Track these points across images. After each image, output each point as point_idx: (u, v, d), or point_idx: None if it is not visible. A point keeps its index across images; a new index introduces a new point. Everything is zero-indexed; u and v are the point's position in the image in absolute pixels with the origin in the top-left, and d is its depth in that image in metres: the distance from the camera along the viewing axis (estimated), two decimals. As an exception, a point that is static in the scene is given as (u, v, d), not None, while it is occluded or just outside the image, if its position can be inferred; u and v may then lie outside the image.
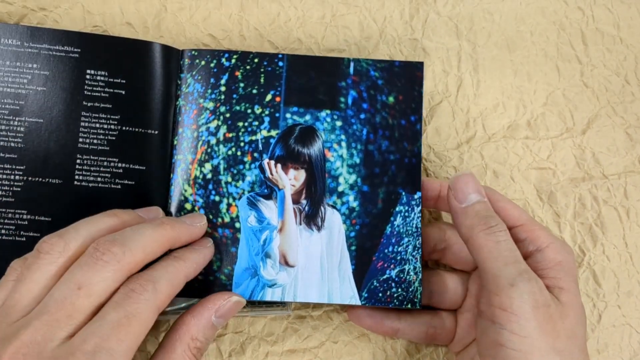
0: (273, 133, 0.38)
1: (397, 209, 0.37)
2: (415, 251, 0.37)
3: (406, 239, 0.37)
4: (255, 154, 0.38)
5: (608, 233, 0.43)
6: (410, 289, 0.36)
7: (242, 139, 0.38)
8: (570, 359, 0.30)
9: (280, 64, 0.39)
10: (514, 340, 0.30)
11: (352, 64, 0.38)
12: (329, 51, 0.43)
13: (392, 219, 0.37)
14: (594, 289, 0.42)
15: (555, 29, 0.45)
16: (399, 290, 0.36)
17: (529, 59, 0.45)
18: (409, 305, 0.36)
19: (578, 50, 0.45)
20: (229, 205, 0.37)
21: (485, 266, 0.32)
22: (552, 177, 0.43)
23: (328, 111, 0.38)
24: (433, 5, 0.45)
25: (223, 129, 0.38)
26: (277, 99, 0.38)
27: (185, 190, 0.37)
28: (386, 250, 0.37)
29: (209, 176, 0.37)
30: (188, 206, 0.37)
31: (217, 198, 0.37)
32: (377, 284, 0.36)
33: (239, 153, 0.38)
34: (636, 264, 0.42)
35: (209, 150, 0.37)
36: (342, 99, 0.38)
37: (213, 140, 0.38)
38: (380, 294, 0.36)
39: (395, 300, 0.36)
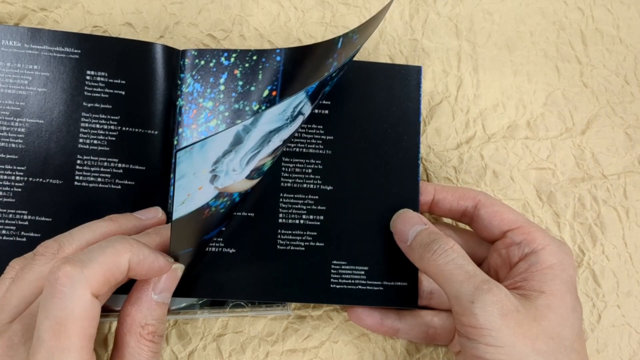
0: None
1: None
2: None
3: None
4: None
5: (607, 233, 0.43)
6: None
7: None
8: (554, 358, 0.30)
9: (278, 58, 0.39)
10: (492, 352, 0.30)
11: (340, 40, 0.38)
12: (329, 51, 0.44)
13: None
14: (594, 289, 0.42)
15: (555, 29, 0.46)
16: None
17: (529, 59, 0.45)
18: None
19: (578, 50, 0.45)
20: None
21: (445, 290, 0.33)
22: (552, 177, 0.43)
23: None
24: (433, 5, 0.45)
25: (222, 128, 0.38)
26: (274, 93, 0.38)
27: None
28: None
29: None
30: None
31: None
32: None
33: None
34: (635, 264, 0.42)
35: None
36: (327, 74, 0.38)
37: None
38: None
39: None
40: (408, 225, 0.36)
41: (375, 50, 0.44)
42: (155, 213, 0.36)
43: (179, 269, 0.32)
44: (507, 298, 0.31)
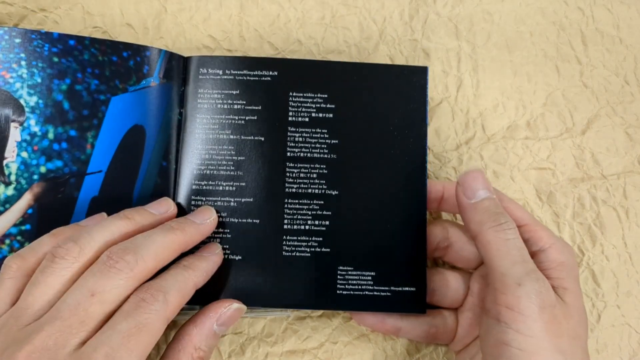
0: None
1: None
2: None
3: None
4: None
5: (607, 233, 0.43)
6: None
7: None
8: (573, 359, 0.30)
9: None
10: (519, 340, 0.30)
11: None
12: (328, 52, 0.44)
13: None
14: (593, 289, 0.42)
15: (555, 29, 0.45)
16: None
17: (529, 60, 0.45)
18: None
19: (578, 50, 0.45)
20: None
21: (493, 264, 0.32)
22: (552, 178, 0.43)
23: None
24: (433, 5, 0.45)
25: None
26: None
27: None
28: None
29: None
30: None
31: None
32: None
33: None
34: (635, 264, 0.42)
35: None
36: None
37: None
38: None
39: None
40: (479, 185, 0.35)
41: (375, 50, 0.44)
42: (167, 206, 0.35)
43: (242, 307, 0.35)
44: (548, 293, 0.31)
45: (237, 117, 0.38)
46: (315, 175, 0.38)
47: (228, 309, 0.34)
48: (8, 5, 0.42)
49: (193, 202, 0.37)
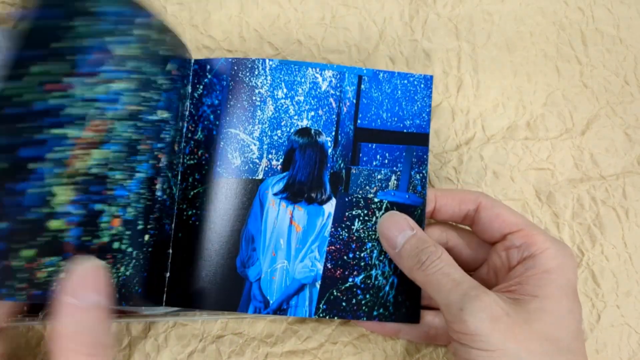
0: None
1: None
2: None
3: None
4: None
5: (607, 233, 0.43)
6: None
7: None
8: (549, 358, 0.30)
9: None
10: (484, 355, 0.30)
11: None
12: (329, 52, 0.44)
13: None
14: (593, 289, 0.42)
15: (555, 29, 0.45)
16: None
17: (529, 60, 0.45)
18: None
19: (578, 50, 0.45)
20: None
21: (435, 299, 0.33)
22: (551, 178, 0.43)
23: None
24: (433, 6, 0.45)
25: None
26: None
27: None
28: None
29: None
30: None
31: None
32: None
33: None
34: (635, 264, 0.42)
35: None
36: None
37: None
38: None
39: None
40: (396, 231, 0.35)
41: (375, 50, 0.44)
42: None
43: (90, 263, 0.27)
44: (495, 303, 0.31)
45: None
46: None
47: (73, 274, 0.26)
48: (8, 5, 0.42)
49: None
